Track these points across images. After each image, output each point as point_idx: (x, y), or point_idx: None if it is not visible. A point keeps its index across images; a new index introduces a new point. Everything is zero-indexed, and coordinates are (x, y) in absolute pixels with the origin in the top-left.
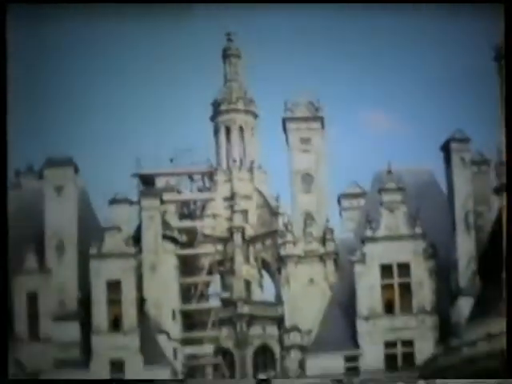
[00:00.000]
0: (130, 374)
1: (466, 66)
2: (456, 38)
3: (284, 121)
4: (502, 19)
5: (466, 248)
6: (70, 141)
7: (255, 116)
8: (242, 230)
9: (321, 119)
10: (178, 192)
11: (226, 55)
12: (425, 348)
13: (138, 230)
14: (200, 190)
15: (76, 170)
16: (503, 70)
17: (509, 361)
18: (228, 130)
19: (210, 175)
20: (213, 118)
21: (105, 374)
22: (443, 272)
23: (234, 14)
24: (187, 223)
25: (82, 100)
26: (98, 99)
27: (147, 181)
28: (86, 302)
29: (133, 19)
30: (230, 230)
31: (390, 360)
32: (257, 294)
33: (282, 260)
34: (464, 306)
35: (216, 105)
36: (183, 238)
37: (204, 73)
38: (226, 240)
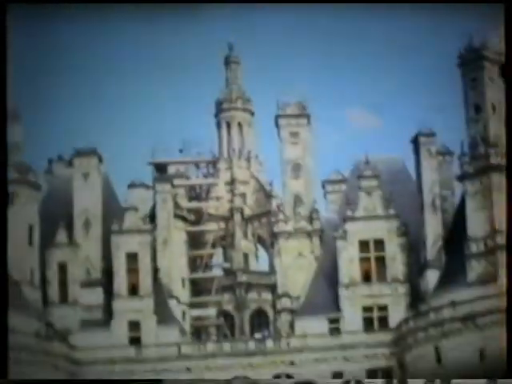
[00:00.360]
0: (145, 333)
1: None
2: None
3: (276, 118)
4: (502, 19)
5: (432, 227)
6: (94, 134)
7: (252, 113)
8: (241, 210)
9: (307, 116)
10: (187, 178)
11: (227, 62)
12: (397, 312)
13: (153, 210)
14: (205, 176)
15: (100, 160)
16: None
17: (509, 361)
18: (229, 125)
19: (214, 164)
20: (216, 115)
21: (123, 333)
22: (413, 247)
23: (233, 26)
24: (194, 204)
25: (97, 97)
26: (112, 96)
27: (160, 168)
28: (108, 271)
29: (135, 20)
30: (231, 210)
31: (368, 322)
32: (253, 265)
33: (274, 236)
34: (431, 276)
35: (219, 104)
36: (191, 217)
37: (209, 75)
38: (227, 219)
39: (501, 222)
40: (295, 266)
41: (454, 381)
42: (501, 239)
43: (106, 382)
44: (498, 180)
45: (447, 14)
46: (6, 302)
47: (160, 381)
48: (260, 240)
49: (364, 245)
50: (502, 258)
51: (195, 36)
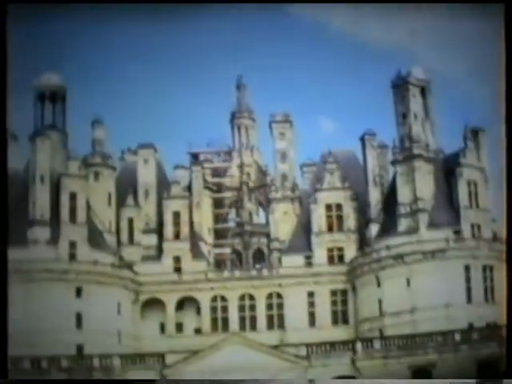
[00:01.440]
0: (184, 264)
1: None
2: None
3: (270, 123)
4: (502, 19)
5: (374, 195)
6: (151, 134)
7: (254, 120)
8: (247, 184)
9: (290, 122)
10: (211, 162)
11: (237, 87)
12: (350, 252)
13: (190, 183)
14: (223, 161)
15: (155, 150)
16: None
17: (509, 361)
18: (239, 128)
19: (229, 153)
20: (230, 121)
21: (170, 265)
22: (362, 209)
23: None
24: (216, 180)
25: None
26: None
27: (194, 156)
28: (160, 224)
29: (135, 20)
30: (240, 184)
31: (330, 259)
32: (255, 220)
33: (269, 201)
34: (373, 228)
35: (233, 114)
36: (215, 188)
37: (226, 95)
38: (238, 189)
39: (421, 190)
40: (283, 220)
41: (452, 380)
42: (421, 204)
43: (106, 382)
44: (418, 164)
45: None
46: (6, 302)
47: (154, 381)
48: (260, 203)
49: (328, 207)
50: (422, 217)
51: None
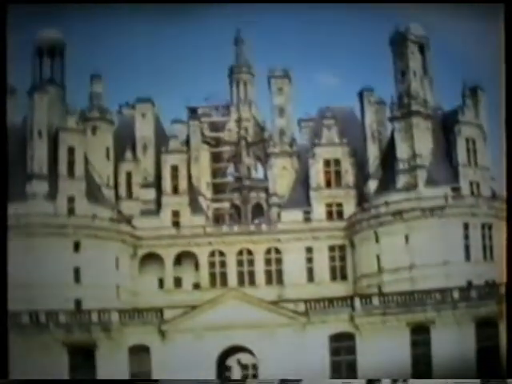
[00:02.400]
0: (183, 219)
1: None
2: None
3: (268, 78)
4: (502, 19)
5: (372, 151)
6: (149, 88)
7: (253, 75)
8: (245, 138)
9: (288, 77)
10: (210, 116)
11: (236, 41)
12: (349, 208)
13: (188, 137)
14: (222, 116)
15: (153, 105)
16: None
17: (509, 361)
18: (237, 83)
19: (227, 107)
20: (229, 76)
21: (168, 219)
22: (360, 165)
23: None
24: (215, 134)
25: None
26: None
27: (193, 110)
28: (158, 178)
29: (137, 20)
30: (239, 138)
31: (329, 214)
32: (254, 174)
33: (267, 155)
34: (372, 184)
35: (231, 69)
36: (213, 142)
37: (225, 49)
38: (236, 143)
39: (419, 147)
40: (281, 175)
41: (451, 380)
42: (419, 161)
43: (106, 382)
44: (417, 121)
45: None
46: (6, 302)
47: (157, 381)
48: (258, 158)
49: (326, 162)
50: (421, 173)
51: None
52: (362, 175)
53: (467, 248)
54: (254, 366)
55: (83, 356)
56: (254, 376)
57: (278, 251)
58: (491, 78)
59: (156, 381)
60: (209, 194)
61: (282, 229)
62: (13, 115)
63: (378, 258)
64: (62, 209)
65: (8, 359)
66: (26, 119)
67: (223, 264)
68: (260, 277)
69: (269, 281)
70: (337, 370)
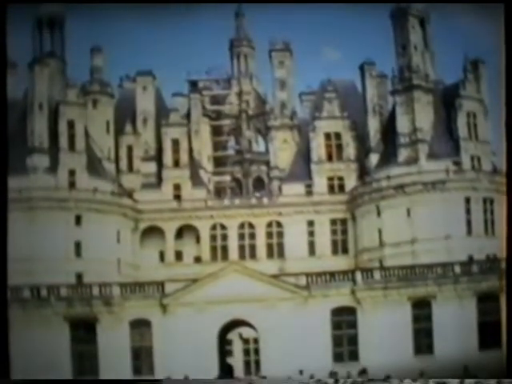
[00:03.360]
0: (184, 192)
1: None
2: None
3: (270, 51)
4: (502, 19)
5: (373, 125)
6: (150, 61)
7: (253, 48)
8: (246, 112)
9: (290, 50)
10: (211, 90)
11: (236, 15)
12: (350, 181)
13: (188, 111)
14: (222, 89)
15: (154, 78)
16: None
17: (509, 361)
18: (238, 56)
19: (228, 81)
20: (230, 49)
21: (169, 192)
22: (361, 139)
23: None
24: (216, 107)
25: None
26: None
27: (193, 84)
28: (159, 151)
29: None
30: (239, 111)
31: (330, 188)
32: (254, 147)
33: (268, 128)
34: (373, 158)
35: (231, 42)
36: (214, 116)
37: (226, 23)
38: (237, 117)
39: (420, 121)
40: (282, 149)
41: (452, 380)
42: (420, 135)
43: (106, 382)
44: (418, 95)
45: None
46: (6, 302)
47: (160, 381)
48: (259, 131)
49: (327, 135)
50: (422, 147)
51: None
52: (363, 149)
53: (469, 222)
54: (255, 340)
55: (84, 330)
56: (256, 350)
57: (279, 224)
58: (493, 51)
59: (159, 381)
60: (210, 167)
61: (283, 202)
62: (13, 89)
63: (380, 231)
64: (63, 182)
65: (9, 359)
66: (27, 93)
67: (224, 237)
68: (261, 250)
69: (270, 254)
70: (338, 344)
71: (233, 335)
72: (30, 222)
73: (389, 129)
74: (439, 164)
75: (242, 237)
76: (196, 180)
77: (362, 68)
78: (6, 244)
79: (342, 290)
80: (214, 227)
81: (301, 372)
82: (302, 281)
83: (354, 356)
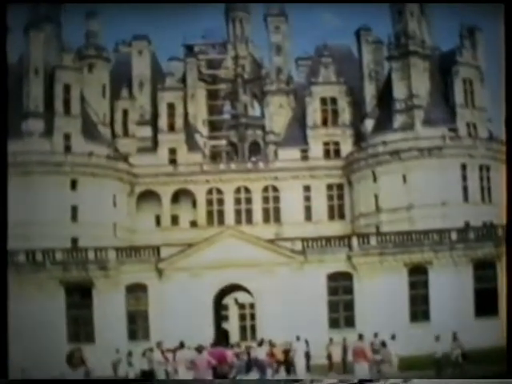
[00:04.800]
0: (179, 156)
1: None
2: None
3: (265, 16)
4: (502, 19)
5: (369, 90)
6: (145, 26)
7: (249, 13)
8: (242, 76)
9: (285, 15)
10: (206, 54)
11: None
12: (346, 147)
13: (184, 75)
14: (218, 53)
15: (149, 42)
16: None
17: (509, 361)
18: (233, 21)
19: (224, 45)
20: (225, 13)
21: (165, 156)
22: (357, 104)
23: None
24: (211, 71)
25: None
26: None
27: (189, 48)
28: (155, 115)
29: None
30: (235, 76)
31: (326, 153)
32: (250, 112)
33: (264, 93)
34: (369, 123)
35: (227, 6)
36: (209, 80)
37: None
38: (233, 81)
39: (416, 87)
40: (278, 113)
41: (453, 381)
42: (416, 101)
43: (106, 381)
44: (414, 61)
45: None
46: (6, 302)
47: (158, 381)
48: (254, 96)
49: (323, 101)
50: (418, 113)
51: None
52: (358, 114)
53: (465, 189)
54: (251, 305)
55: (80, 294)
56: (252, 316)
57: (275, 189)
58: (490, 18)
59: (157, 381)
60: (205, 131)
61: (279, 167)
62: (9, 54)
63: (376, 197)
64: (58, 146)
65: (7, 359)
66: (22, 57)
67: (220, 202)
68: (257, 215)
69: (266, 219)
70: (334, 310)
71: (228, 300)
72: (25, 187)
73: (385, 95)
74: (435, 130)
75: (238, 201)
76: (192, 144)
77: (357, 34)
78: (6, 210)
79: (338, 256)
80: (210, 192)
81: (298, 338)
82: (298, 246)
83: (350, 322)
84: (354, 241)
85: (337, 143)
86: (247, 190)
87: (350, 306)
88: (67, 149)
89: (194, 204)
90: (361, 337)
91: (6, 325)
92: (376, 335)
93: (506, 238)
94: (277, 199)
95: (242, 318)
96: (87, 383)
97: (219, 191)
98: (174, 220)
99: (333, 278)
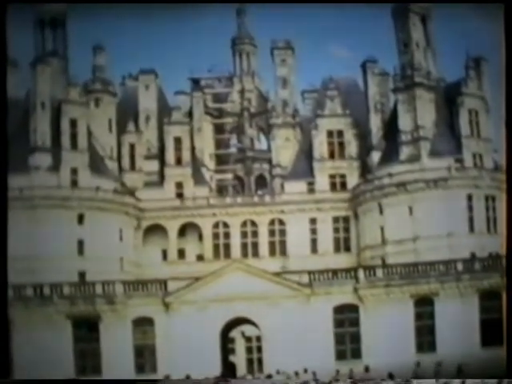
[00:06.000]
0: (186, 190)
1: None
2: None
3: (272, 49)
4: (502, 19)
5: (375, 122)
6: (152, 60)
7: (255, 46)
8: (248, 109)
9: (292, 49)
10: (213, 88)
11: (238, 12)
12: (352, 179)
13: (190, 109)
14: (225, 87)
15: (156, 76)
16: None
17: (509, 361)
18: (240, 54)
19: (230, 79)
20: (231, 47)
21: (172, 190)
22: (363, 136)
23: None
24: (218, 105)
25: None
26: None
27: (195, 82)
28: (161, 149)
29: (136, 14)
30: (241, 110)
31: (332, 185)
32: (257, 145)
33: (270, 126)
34: (375, 156)
35: (233, 40)
36: (216, 114)
37: (227, 22)
38: (239, 115)
39: (422, 119)
40: (284, 147)
41: (453, 381)
42: (422, 132)
43: (106, 382)
44: (420, 93)
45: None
46: (6, 301)
47: (157, 381)
48: (261, 129)
49: (329, 133)
50: (424, 145)
51: None
52: (364, 146)
53: (471, 220)
54: (258, 338)
55: (87, 328)
56: (259, 348)
57: (281, 222)
58: (494, 48)
59: (157, 381)
60: (212, 165)
61: (285, 200)
62: (16, 88)
63: (382, 229)
64: (65, 181)
65: (10, 359)
66: (29, 92)
67: (227, 235)
68: (264, 248)
69: (272, 252)
70: (341, 342)
71: (235, 333)
72: (32, 221)
73: (391, 126)
74: (441, 161)
75: (244, 235)
76: (198, 178)
77: (363, 66)
78: (6, 244)
79: (345, 288)
80: (216, 225)
81: (305, 370)
82: (305, 278)
83: (356, 354)
84: (361, 273)
85: (343, 176)
86: (253, 224)
87: (356, 338)
88: (74, 183)
89: (201, 237)
90: (367, 369)
91: (7, 325)
92: None
93: (507, 269)
94: (283, 232)
95: (249, 350)
96: (86, 383)
97: (226, 225)
98: (181, 254)
99: (339, 310)
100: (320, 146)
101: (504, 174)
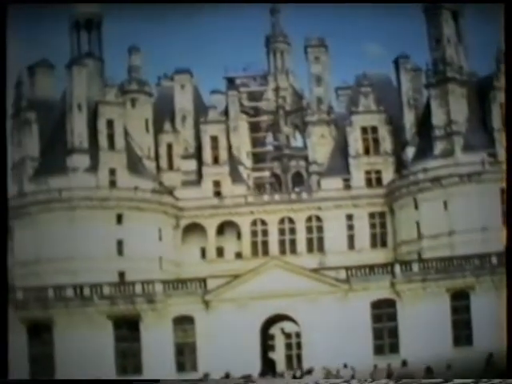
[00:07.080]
0: (224, 189)
1: None
2: None
3: (305, 47)
4: (502, 19)
5: (409, 119)
6: (187, 59)
7: (289, 44)
8: (283, 107)
9: (325, 46)
10: (248, 86)
11: (272, 11)
12: (388, 175)
13: (226, 108)
14: (259, 85)
15: (191, 75)
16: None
17: (509, 361)
18: (274, 53)
19: (265, 77)
20: (266, 46)
21: (209, 189)
22: (397, 132)
23: None
24: (253, 104)
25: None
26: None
27: (231, 81)
28: (198, 148)
29: (171, 14)
30: (277, 107)
31: (368, 181)
32: (293, 143)
33: (305, 124)
34: (410, 151)
35: (267, 39)
36: (251, 112)
37: (262, 20)
38: (274, 113)
39: (455, 113)
40: (320, 144)
41: (456, 380)
42: (455, 127)
43: (106, 381)
44: (452, 87)
45: None
46: (6, 301)
47: (157, 381)
48: (296, 127)
49: (364, 130)
50: (457, 139)
51: None
52: (399, 142)
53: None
54: (297, 335)
55: (128, 328)
56: (298, 344)
57: (318, 219)
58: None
59: (157, 381)
60: (249, 163)
61: (322, 196)
62: (52, 90)
63: (418, 224)
64: (103, 181)
65: (7, 358)
66: (66, 94)
67: (265, 233)
68: (301, 245)
69: (310, 249)
70: (379, 337)
71: (275, 330)
72: (71, 222)
73: (424, 122)
74: (475, 156)
75: (282, 232)
76: (235, 176)
77: (396, 62)
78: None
79: (382, 283)
80: (254, 223)
81: (345, 365)
82: (342, 274)
83: (394, 348)
84: (397, 268)
85: (378, 171)
86: (291, 221)
87: (394, 333)
88: (112, 183)
89: (239, 235)
90: (404, 363)
91: (6, 324)
92: None
93: (507, 267)
94: (320, 229)
95: (289, 347)
96: (87, 383)
97: (263, 222)
98: (219, 252)
99: (377, 305)
100: (355, 142)
101: None
